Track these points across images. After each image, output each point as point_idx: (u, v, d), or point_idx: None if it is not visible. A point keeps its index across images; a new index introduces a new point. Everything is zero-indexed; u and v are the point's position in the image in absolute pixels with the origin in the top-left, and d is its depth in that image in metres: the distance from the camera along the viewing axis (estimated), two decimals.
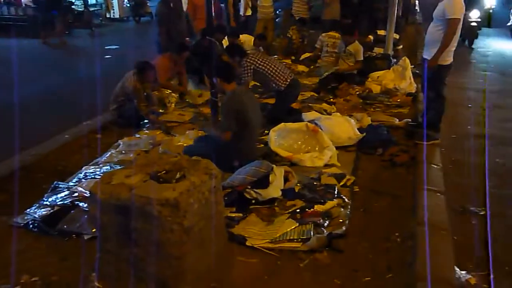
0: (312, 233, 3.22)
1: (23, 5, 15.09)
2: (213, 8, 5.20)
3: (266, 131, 4.85)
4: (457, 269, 2.95)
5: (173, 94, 6.40)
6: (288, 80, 5.62)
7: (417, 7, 11.47)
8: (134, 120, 5.51)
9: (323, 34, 8.47)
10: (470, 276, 2.95)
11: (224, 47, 7.19)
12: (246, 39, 9.05)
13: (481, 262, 3.12)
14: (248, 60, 5.58)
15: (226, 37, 8.12)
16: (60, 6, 12.85)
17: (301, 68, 8.52)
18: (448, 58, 4.81)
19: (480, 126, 6.03)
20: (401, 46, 9.01)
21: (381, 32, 9.21)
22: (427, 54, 4.90)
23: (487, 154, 4.94)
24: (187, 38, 7.57)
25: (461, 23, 4.67)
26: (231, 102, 4.21)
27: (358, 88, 6.94)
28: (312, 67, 8.47)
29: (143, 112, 5.51)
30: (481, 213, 3.84)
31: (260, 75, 5.60)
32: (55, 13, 12.42)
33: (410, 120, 5.66)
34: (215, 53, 6.23)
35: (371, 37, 8.97)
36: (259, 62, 5.57)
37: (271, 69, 5.57)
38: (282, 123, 4.80)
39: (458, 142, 5.44)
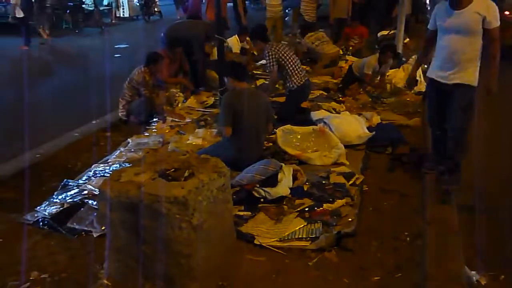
0: (320, 232, 3.21)
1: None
2: None
3: (274, 130, 4.84)
4: (467, 268, 2.93)
5: (180, 93, 6.39)
6: (303, 81, 5.54)
7: (427, 6, 11.42)
8: (144, 116, 5.54)
9: (306, 37, 8.53)
10: (481, 276, 2.92)
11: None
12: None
13: (492, 261, 3.09)
14: (272, 48, 5.39)
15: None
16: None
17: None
18: None
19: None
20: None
21: (383, 33, 9.17)
22: (455, 77, 3.77)
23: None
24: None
25: None
26: (228, 97, 4.21)
27: (369, 87, 6.90)
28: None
29: (152, 101, 5.57)
30: (492, 212, 3.79)
31: (280, 67, 5.46)
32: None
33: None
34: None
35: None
36: (281, 53, 5.40)
37: (291, 64, 5.43)
38: (289, 125, 4.73)
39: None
